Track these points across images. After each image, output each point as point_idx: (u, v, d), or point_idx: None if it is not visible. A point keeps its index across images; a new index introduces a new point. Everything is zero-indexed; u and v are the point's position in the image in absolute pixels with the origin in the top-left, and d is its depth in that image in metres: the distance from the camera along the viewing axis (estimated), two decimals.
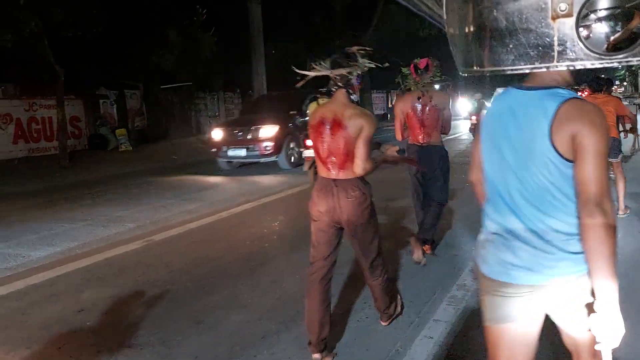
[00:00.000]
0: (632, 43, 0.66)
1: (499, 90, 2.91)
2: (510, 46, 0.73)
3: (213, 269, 4.73)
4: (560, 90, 1.14)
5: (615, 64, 0.71)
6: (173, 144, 17.00)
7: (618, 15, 0.70)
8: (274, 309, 3.76)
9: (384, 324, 3.44)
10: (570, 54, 0.70)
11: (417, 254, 4.51)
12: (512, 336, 1.71)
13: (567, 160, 1.35)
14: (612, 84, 6.51)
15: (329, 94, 3.05)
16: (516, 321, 1.69)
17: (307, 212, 3.10)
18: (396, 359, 2.97)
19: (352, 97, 3.00)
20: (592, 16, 0.71)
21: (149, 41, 15.86)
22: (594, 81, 6.25)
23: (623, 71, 43.60)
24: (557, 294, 1.62)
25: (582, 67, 0.72)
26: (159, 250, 5.41)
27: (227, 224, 6.45)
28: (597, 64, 0.70)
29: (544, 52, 0.71)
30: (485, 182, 1.72)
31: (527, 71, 0.76)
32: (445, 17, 0.72)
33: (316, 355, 2.98)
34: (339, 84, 2.97)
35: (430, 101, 4.33)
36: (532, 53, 0.72)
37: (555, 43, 0.70)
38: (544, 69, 0.75)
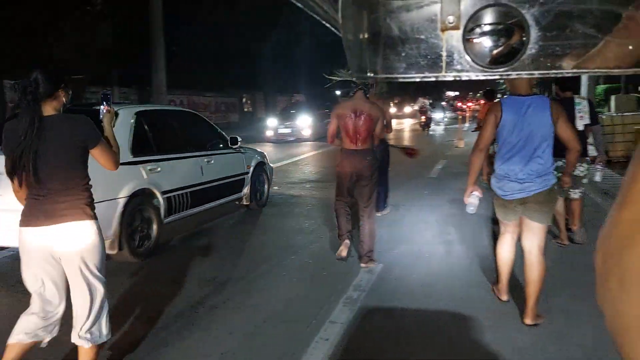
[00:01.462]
0: (512, 58, 0.71)
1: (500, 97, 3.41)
2: (403, 55, 0.75)
3: None
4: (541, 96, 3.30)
5: (497, 77, 0.76)
6: None
7: (500, 31, 0.74)
8: (167, 317, 3.61)
9: (363, 265, 4.54)
10: (457, 65, 0.73)
11: (342, 251, 4.76)
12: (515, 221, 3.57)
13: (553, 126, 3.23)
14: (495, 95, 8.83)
15: (349, 94, 4.73)
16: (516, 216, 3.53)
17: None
18: None
19: (367, 95, 4.67)
20: (478, 30, 0.74)
21: (40, 30, 14.65)
22: (489, 92, 9.05)
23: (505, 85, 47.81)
24: (539, 203, 3.37)
25: (467, 78, 0.75)
26: None
27: None
28: (481, 76, 0.74)
29: (434, 62, 0.74)
30: (504, 143, 3.39)
31: (418, 80, 0.78)
32: (340, 22, 0.72)
33: (347, 241, 4.76)
34: (359, 86, 4.57)
35: (365, 112, 4.53)
36: (422, 62, 0.75)
37: (444, 54, 0.73)
38: (433, 79, 0.77)
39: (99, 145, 2.53)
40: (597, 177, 5.25)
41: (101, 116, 2.76)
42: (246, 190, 6.76)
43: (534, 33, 0.67)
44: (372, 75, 0.79)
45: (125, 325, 3.47)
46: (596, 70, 0.68)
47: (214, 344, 3.18)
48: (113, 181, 4.45)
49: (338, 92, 38.76)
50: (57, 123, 2.46)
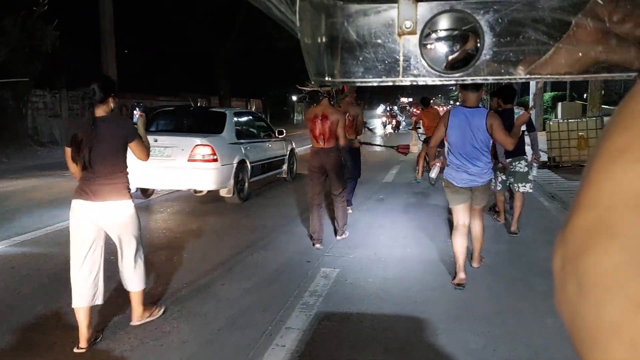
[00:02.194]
0: (467, 64, 0.71)
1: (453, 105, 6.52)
2: (360, 59, 0.75)
3: (43, 282, 4.26)
4: (482, 108, 4.18)
5: (453, 82, 0.76)
6: (4, 144, 15.05)
7: (456, 37, 0.75)
8: (117, 328, 3.48)
9: (338, 237, 5.59)
10: (414, 70, 0.73)
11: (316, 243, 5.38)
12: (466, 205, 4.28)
13: (490, 134, 4.03)
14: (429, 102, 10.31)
15: (318, 100, 5.50)
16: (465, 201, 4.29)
17: None
18: None
19: (331, 102, 5.43)
20: (434, 35, 0.75)
21: None
22: (424, 99, 10.27)
23: (457, 92, 49.43)
24: (480, 191, 4.30)
25: (424, 83, 0.75)
26: None
27: None
28: (437, 81, 0.74)
29: (391, 66, 0.74)
30: (452, 144, 4.24)
31: (375, 84, 0.78)
32: (298, 24, 0.71)
33: (318, 245, 5.27)
34: (325, 94, 5.37)
35: (328, 116, 5.29)
36: (380, 67, 0.74)
37: (401, 59, 0.73)
38: (390, 83, 0.77)
39: (135, 140, 3.28)
40: (534, 172, 6.33)
41: (135, 119, 3.45)
42: (285, 167, 9.74)
43: (488, 39, 0.68)
44: (330, 79, 0.78)
45: (74, 337, 3.32)
46: (548, 76, 0.69)
47: (167, 354, 3.10)
48: (231, 154, 7.52)
49: (294, 98, 38.61)
50: (107, 123, 3.20)
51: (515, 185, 5.83)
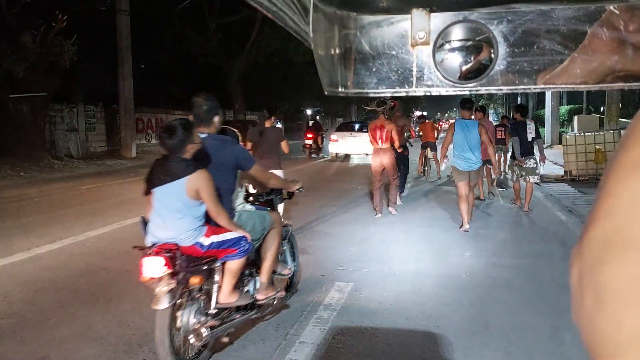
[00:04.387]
0: (480, 74, 0.70)
1: (453, 118, 8.22)
2: (374, 70, 0.75)
3: (62, 297, 4.29)
4: (474, 120, 6.89)
5: (467, 92, 0.76)
6: (21, 158, 15.28)
7: (470, 47, 0.74)
8: (130, 341, 3.49)
9: (391, 209, 7.91)
10: (428, 80, 0.73)
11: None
12: (466, 181, 6.67)
13: (479, 136, 6.65)
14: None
15: (376, 115, 7.73)
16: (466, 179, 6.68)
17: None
18: None
19: (386, 116, 7.60)
20: (447, 46, 0.74)
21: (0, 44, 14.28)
22: (423, 116, 13.94)
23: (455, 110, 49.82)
24: (474, 173, 6.76)
25: (438, 94, 0.75)
26: None
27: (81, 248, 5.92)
28: (451, 91, 0.74)
29: (404, 77, 0.74)
30: (456, 145, 6.71)
31: (389, 95, 0.78)
32: (311, 35, 0.71)
33: (379, 215, 7.58)
34: (379, 111, 7.55)
35: (385, 126, 7.55)
36: (393, 78, 0.74)
37: (414, 69, 0.73)
38: (404, 94, 0.77)
39: (285, 140, 6.33)
40: (541, 169, 8.67)
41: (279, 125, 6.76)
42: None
43: (502, 49, 0.67)
44: (343, 90, 0.78)
45: (89, 350, 3.33)
46: (563, 86, 0.68)
47: None
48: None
49: (309, 112, 38.81)
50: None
51: (527, 177, 7.90)
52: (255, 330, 3.62)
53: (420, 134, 13.01)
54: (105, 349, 3.33)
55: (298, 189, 3.92)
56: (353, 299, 4.23)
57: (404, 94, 0.76)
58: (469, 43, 0.73)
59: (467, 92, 0.74)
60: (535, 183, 9.24)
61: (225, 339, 3.30)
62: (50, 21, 15.20)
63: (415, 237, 6.40)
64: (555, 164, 14.04)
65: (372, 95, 0.78)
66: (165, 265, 2.78)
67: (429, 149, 12.15)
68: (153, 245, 2.91)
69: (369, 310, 3.99)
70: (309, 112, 38.59)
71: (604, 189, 0.45)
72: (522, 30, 0.66)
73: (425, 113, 23.25)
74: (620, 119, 14.47)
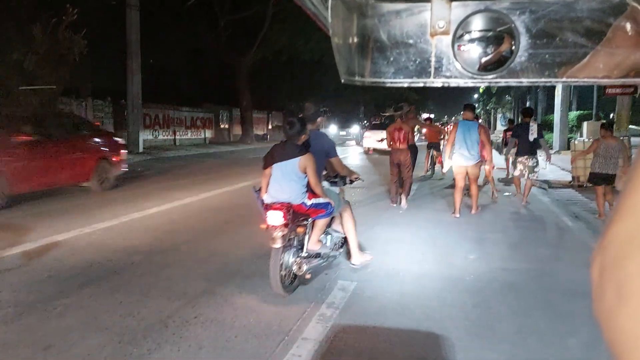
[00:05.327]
0: (500, 65, 0.70)
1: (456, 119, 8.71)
2: (391, 59, 0.74)
3: (68, 287, 4.31)
4: (475, 121, 7.91)
5: (486, 84, 0.75)
6: None
7: (490, 38, 0.73)
8: (135, 332, 3.50)
9: (402, 204, 8.53)
10: (446, 71, 0.72)
11: None
12: (462, 174, 7.81)
13: (479, 135, 7.70)
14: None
15: (393, 119, 10.40)
16: (462, 172, 7.80)
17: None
18: None
19: (402, 119, 8.69)
20: (467, 36, 0.73)
21: (10, 37, 14.34)
22: (429, 119, 15.10)
23: (479, 109, 49.11)
24: (470, 167, 7.72)
25: (456, 85, 0.74)
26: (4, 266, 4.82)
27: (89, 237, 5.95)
28: (470, 83, 0.73)
29: (422, 67, 0.73)
30: (457, 142, 7.71)
31: (406, 85, 0.77)
32: (330, 21, 0.71)
33: (394, 204, 8.62)
34: (396, 116, 9.02)
35: (402, 128, 8.57)
36: (411, 68, 0.73)
37: (433, 60, 0.72)
38: (421, 84, 0.76)
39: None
40: (546, 166, 10.19)
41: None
42: None
43: (523, 41, 0.67)
44: (359, 79, 0.77)
45: (93, 340, 3.35)
46: (585, 79, 0.68)
47: (184, 359, 3.10)
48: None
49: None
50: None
51: (528, 174, 8.77)
52: (257, 325, 3.63)
53: (424, 133, 14.63)
54: (110, 339, 3.35)
55: (356, 178, 4.98)
56: (356, 298, 4.23)
57: (422, 85, 0.76)
58: (490, 34, 0.73)
59: (487, 84, 0.74)
60: (542, 188, 10.75)
61: (308, 276, 4.33)
62: (61, 14, 15.26)
63: (420, 239, 6.38)
64: (563, 169, 13.97)
65: (388, 85, 0.77)
66: (283, 216, 3.96)
67: (433, 149, 13.37)
68: (273, 203, 4.11)
69: (372, 309, 3.99)
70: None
71: (628, 186, 0.45)
72: (545, 22, 0.66)
73: (432, 116, 23.39)
74: (630, 126, 14.37)
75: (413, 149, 9.38)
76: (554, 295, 4.34)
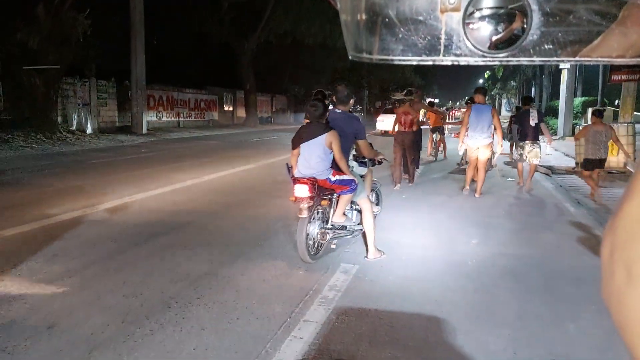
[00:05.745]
0: (512, 44, 0.67)
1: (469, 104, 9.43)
2: (400, 36, 0.71)
3: (72, 267, 4.34)
4: (488, 105, 8.46)
5: (497, 63, 0.72)
6: (33, 130, 15.32)
7: (502, 15, 0.71)
8: (138, 312, 3.53)
9: (410, 184, 9.19)
10: (456, 49, 0.69)
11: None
12: (475, 155, 8.29)
13: (492, 118, 8.15)
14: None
15: (402, 102, 9.48)
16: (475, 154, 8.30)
17: None
18: (265, 359, 2.94)
19: (411, 104, 9.23)
20: (478, 13, 0.71)
21: (14, 16, 14.26)
22: (432, 103, 14.99)
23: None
24: (483, 147, 8.19)
25: (466, 63, 0.71)
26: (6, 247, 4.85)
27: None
28: (480, 62, 0.70)
29: (431, 45, 0.70)
30: (470, 124, 8.21)
31: (415, 63, 0.74)
32: None
33: (397, 187, 8.81)
34: (406, 100, 9.25)
35: (409, 112, 9.17)
36: (420, 45, 0.70)
37: (442, 37, 0.69)
38: (430, 62, 0.73)
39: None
40: (548, 149, 10.36)
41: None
42: None
43: (536, 18, 0.65)
44: (367, 56, 0.75)
45: (97, 320, 3.38)
46: (598, 58, 0.66)
47: (186, 340, 3.12)
48: None
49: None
50: (341, 114, 4.85)
51: (530, 159, 9.01)
52: (259, 307, 3.65)
53: (427, 116, 14.44)
54: (113, 319, 3.38)
55: (382, 159, 5.37)
56: (358, 281, 4.25)
57: (431, 63, 0.73)
58: (502, 11, 0.70)
59: (497, 63, 0.72)
60: (546, 174, 10.98)
61: (333, 246, 4.92)
62: None
63: (422, 224, 6.39)
64: (567, 155, 13.91)
65: (397, 62, 0.75)
66: (308, 190, 4.37)
67: (437, 132, 13.57)
68: (300, 178, 4.50)
69: (374, 292, 4.01)
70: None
71: (639, 168, 0.44)
72: None
73: (436, 100, 23.47)
74: (635, 113, 14.25)
75: (418, 133, 9.68)
76: (555, 281, 4.35)
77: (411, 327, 3.44)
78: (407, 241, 5.53)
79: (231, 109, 31.48)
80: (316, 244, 4.70)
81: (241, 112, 31.64)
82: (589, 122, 15.14)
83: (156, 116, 23.72)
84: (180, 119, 25.68)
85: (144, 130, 20.06)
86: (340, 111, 4.84)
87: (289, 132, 24.98)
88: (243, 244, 5.20)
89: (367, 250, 4.87)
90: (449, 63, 0.71)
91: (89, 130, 18.29)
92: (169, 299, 3.75)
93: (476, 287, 4.20)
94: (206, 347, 3.05)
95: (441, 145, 14.01)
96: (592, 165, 8.03)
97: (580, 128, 11.84)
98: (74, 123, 17.93)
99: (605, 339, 3.20)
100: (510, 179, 10.32)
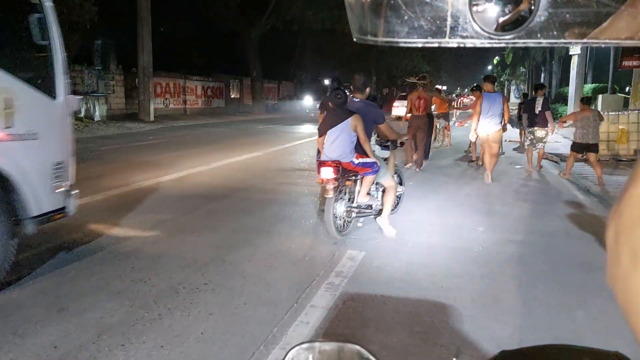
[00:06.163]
0: (519, 26, 0.66)
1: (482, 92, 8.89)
2: (405, 18, 0.70)
3: (81, 252, 4.39)
4: (499, 92, 8.85)
5: (503, 45, 0.71)
6: None
7: None
8: (147, 297, 3.57)
9: (417, 170, 9.37)
10: (462, 31, 0.68)
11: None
12: (486, 144, 8.56)
13: (502, 105, 8.43)
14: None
15: (416, 87, 10.25)
16: (486, 141, 8.54)
17: None
18: (272, 344, 2.96)
19: (424, 88, 9.98)
20: None
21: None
22: (437, 90, 14.78)
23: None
24: (493, 134, 8.46)
25: (472, 45, 0.70)
26: None
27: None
28: (487, 44, 0.69)
29: (437, 27, 0.68)
30: (482, 113, 8.35)
31: (420, 45, 0.73)
32: None
33: (408, 166, 9.56)
34: (420, 84, 10.04)
35: (422, 97, 9.86)
36: (425, 27, 0.69)
37: (448, 18, 0.68)
38: (436, 44, 0.72)
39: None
40: (549, 137, 10.01)
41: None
42: None
43: (544, 0, 0.64)
44: (372, 38, 0.75)
45: (106, 304, 3.42)
46: (607, 41, 0.65)
47: (193, 324, 3.16)
48: None
49: (326, 81, 38.58)
50: (361, 102, 5.18)
51: (537, 144, 9.58)
52: (266, 292, 3.68)
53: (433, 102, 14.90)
54: (122, 304, 3.42)
55: (405, 140, 6.02)
56: (365, 267, 4.26)
57: (436, 45, 0.72)
58: None
59: (504, 45, 0.71)
60: (554, 161, 11.34)
61: (360, 224, 5.37)
62: None
63: (429, 211, 6.38)
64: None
65: (402, 44, 0.74)
66: (333, 172, 4.71)
67: (442, 119, 13.50)
68: (326, 161, 4.84)
69: (380, 278, 4.02)
70: (326, 82, 38.23)
71: None
72: None
73: (444, 87, 23.28)
74: None
75: (431, 117, 10.40)
76: (562, 268, 4.34)
77: (417, 313, 3.45)
78: (414, 228, 5.53)
79: (238, 96, 31.45)
80: (344, 222, 5.04)
81: (248, 99, 31.60)
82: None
83: (163, 103, 23.76)
84: (187, 106, 25.71)
85: (152, 118, 20.11)
86: (358, 99, 5.13)
87: (295, 120, 24.88)
88: (250, 230, 5.22)
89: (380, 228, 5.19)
90: (455, 45, 0.70)
91: (97, 118, 18.36)
92: (176, 284, 3.78)
93: (482, 273, 4.21)
94: (214, 331, 3.08)
95: (442, 132, 14.07)
96: (579, 148, 8.63)
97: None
98: (82, 110, 17.99)
99: (613, 326, 3.20)
100: (518, 167, 10.29)
